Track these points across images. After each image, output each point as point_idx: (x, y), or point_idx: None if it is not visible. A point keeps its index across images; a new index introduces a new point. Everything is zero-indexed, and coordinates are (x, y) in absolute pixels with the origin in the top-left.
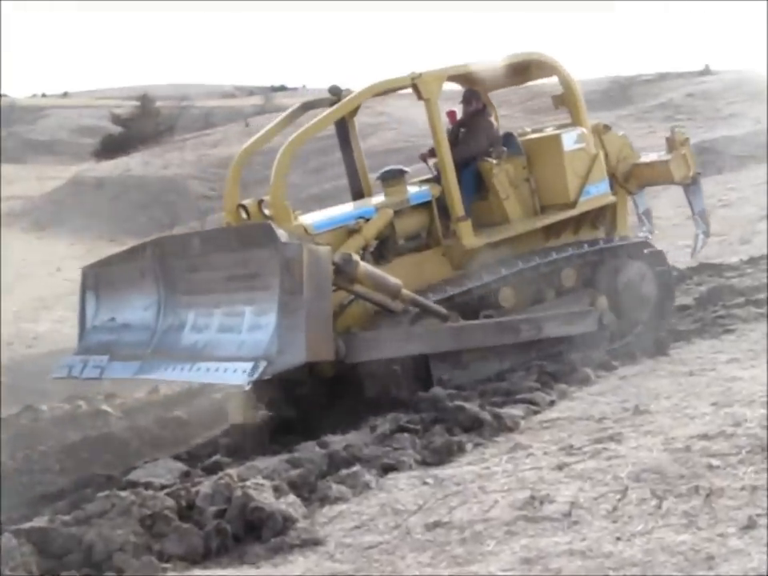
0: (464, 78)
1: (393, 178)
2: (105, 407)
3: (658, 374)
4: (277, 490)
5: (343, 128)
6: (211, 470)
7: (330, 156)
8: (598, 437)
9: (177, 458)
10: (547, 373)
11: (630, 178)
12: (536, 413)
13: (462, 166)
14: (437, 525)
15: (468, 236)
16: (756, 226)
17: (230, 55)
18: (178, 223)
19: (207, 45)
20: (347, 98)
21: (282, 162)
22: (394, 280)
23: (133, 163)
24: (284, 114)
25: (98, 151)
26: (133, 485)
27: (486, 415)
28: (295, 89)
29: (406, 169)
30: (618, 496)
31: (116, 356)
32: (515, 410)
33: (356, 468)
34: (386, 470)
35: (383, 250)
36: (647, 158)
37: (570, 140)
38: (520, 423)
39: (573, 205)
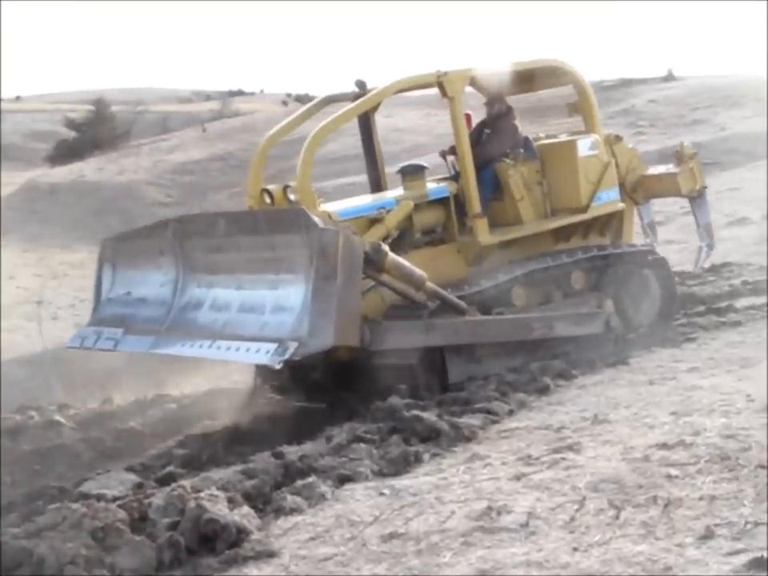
0: (478, 80)
1: (413, 173)
2: (57, 418)
3: (618, 383)
4: (231, 502)
5: (366, 122)
6: (164, 481)
7: (288, 162)
8: (556, 446)
9: (130, 469)
10: (506, 382)
11: (637, 189)
12: (494, 422)
13: (481, 165)
14: (393, 536)
15: (483, 233)
16: (718, 234)
17: (186, 59)
18: None
19: (164, 49)
20: (372, 92)
21: (309, 149)
22: (419, 272)
23: (87, 169)
24: (307, 106)
25: (51, 156)
26: (85, 497)
27: (443, 425)
28: (253, 93)
29: (425, 165)
30: (576, 506)
31: (131, 329)
32: (473, 420)
33: (311, 479)
34: (342, 480)
35: (400, 242)
36: (655, 170)
37: (584, 146)
38: (478, 433)
39: (584, 209)
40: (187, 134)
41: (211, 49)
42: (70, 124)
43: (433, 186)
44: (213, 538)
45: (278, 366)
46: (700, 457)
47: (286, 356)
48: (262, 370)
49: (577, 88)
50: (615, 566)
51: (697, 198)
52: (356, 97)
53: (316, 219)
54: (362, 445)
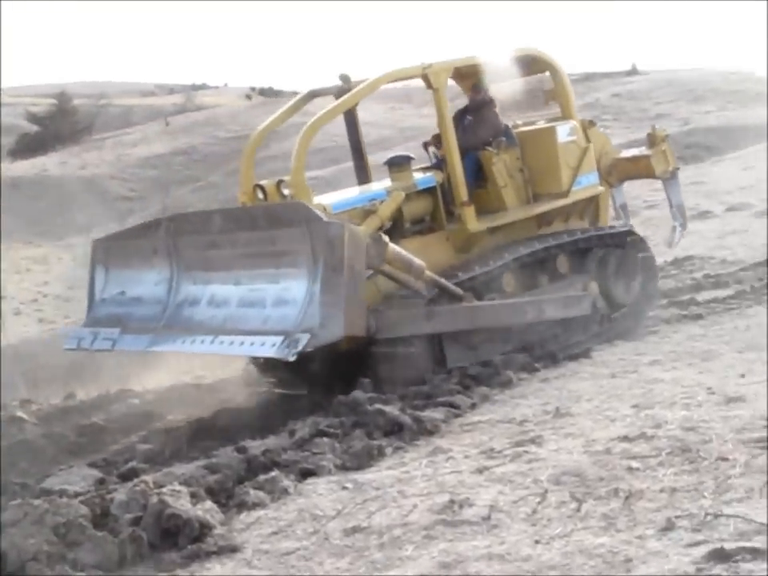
0: (456, 72)
1: (400, 164)
2: (20, 414)
3: (580, 376)
4: (194, 497)
5: (351, 115)
6: (127, 476)
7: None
8: (518, 440)
9: (93, 464)
10: (469, 376)
11: (612, 172)
12: (457, 416)
13: (464, 154)
14: (355, 530)
15: (472, 220)
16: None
17: (150, 53)
18: (97, 225)
19: (127, 42)
20: (363, 84)
21: (302, 144)
22: (417, 261)
23: (50, 163)
24: (292, 102)
25: (13, 150)
26: (47, 493)
27: (406, 419)
28: (216, 87)
29: (412, 155)
30: (538, 499)
31: (127, 329)
32: (436, 414)
33: (274, 473)
34: (305, 474)
35: (391, 232)
36: (628, 153)
37: (563, 132)
38: (440, 427)
39: (566, 194)
40: (150, 127)
41: (175, 42)
42: (32, 118)
43: (420, 176)
44: (175, 533)
45: (292, 359)
46: (661, 449)
47: (300, 348)
48: (257, 362)
49: (553, 75)
50: (576, 558)
51: (669, 179)
52: (340, 90)
53: (320, 213)
54: (325, 439)
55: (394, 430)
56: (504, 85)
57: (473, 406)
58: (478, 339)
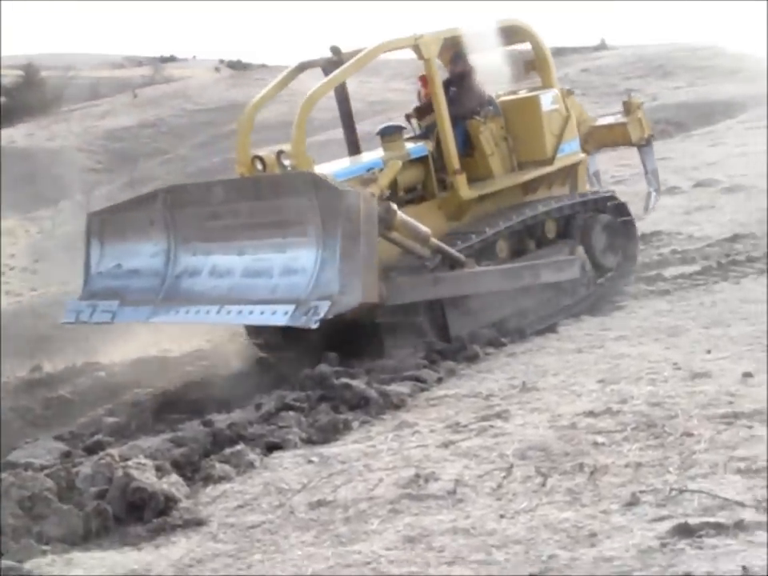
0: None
1: (392, 134)
2: None
3: (547, 350)
4: (159, 470)
5: (341, 87)
6: (93, 449)
7: (219, 129)
8: (484, 414)
9: (59, 438)
10: (435, 350)
11: (588, 140)
12: (423, 390)
13: (451, 124)
14: (321, 504)
15: (464, 188)
16: (648, 203)
17: (118, 25)
18: (64, 197)
19: (95, 13)
20: (359, 55)
21: (303, 114)
22: (423, 228)
23: (17, 135)
24: (283, 74)
25: None
26: (12, 466)
27: (372, 393)
28: (185, 59)
29: (404, 126)
30: (503, 474)
31: (126, 301)
32: (402, 388)
33: (240, 447)
34: (271, 448)
35: (386, 201)
36: (605, 120)
37: (547, 101)
38: (407, 401)
39: (551, 161)
40: (118, 100)
41: (144, 14)
42: None
43: (412, 146)
44: (140, 507)
45: (314, 326)
46: (626, 424)
47: (321, 315)
48: (252, 330)
49: (534, 46)
50: (541, 532)
51: (645, 146)
52: (330, 62)
53: (332, 181)
54: (291, 413)
55: (361, 403)
56: (485, 55)
57: (439, 381)
58: (476, 305)
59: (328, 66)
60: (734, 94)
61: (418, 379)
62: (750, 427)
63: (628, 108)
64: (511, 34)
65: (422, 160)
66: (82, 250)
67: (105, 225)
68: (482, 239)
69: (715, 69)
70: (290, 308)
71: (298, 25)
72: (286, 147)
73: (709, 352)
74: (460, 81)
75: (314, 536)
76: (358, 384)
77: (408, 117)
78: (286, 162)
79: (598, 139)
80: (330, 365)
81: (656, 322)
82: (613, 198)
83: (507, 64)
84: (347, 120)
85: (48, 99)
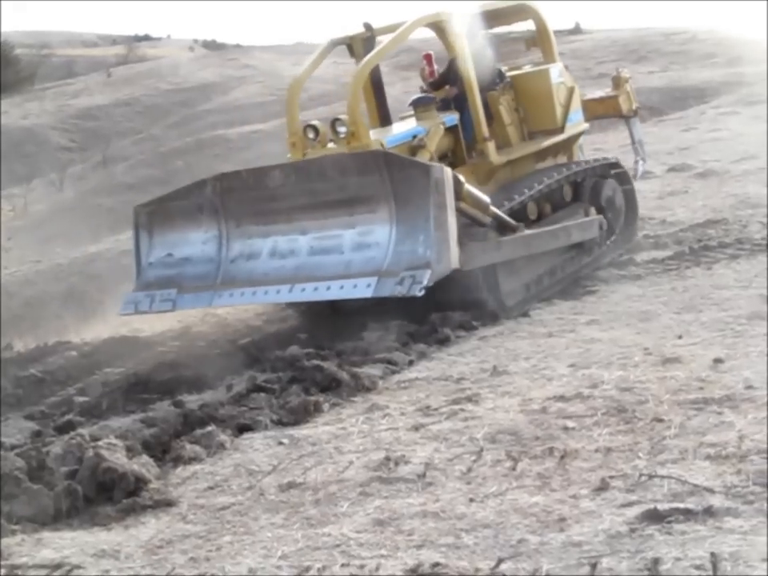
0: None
1: (425, 104)
2: None
3: (518, 334)
4: (130, 450)
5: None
6: (63, 429)
7: (192, 108)
8: (455, 397)
9: (29, 417)
10: (407, 333)
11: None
12: (394, 373)
13: (464, 99)
14: (291, 486)
15: (494, 154)
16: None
17: (93, 3)
18: (37, 175)
19: None
20: (402, 27)
21: (356, 83)
22: (484, 197)
23: None
24: (318, 51)
25: None
26: None
27: (343, 375)
28: (160, 39)
29: (435, 97)
30: (473, 457)
31: (184, 288)
32: (373, 370)
33: (211, 428)
34: (242, 429)
35: None
36: (595, 94)
37: (555, 74)
38: (378, 383)
39: (561, 130)
40: (92, 78)
41: None
42: None
43: (443, 115)
44: (110, 487)
45: (420, 294)
46: (597, 409)
47: (425, 282)
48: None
49: (538, 24)
50: (510, 516)
51: (632, 118)
52: (362, 38)
53: (416, 159)
54: (262, 394)
55: (332, 385)
56: (492, 33)
57: (410, 363)
58: (519, 265)
59: (358, 42)
60: (708, 79)
61: (389, 362)
62: (720, 413)
63: (617, 82)
64: (520, 11)
65: (452, 128)
66: (55, 228)
67: (152, 216)
68: (520, 201)
69: (689, 54)
70: (372, 280)
71: (274, 5)
72: (342, 116)
73: (680, 337)
74: (476, 56)
75: (284, 518)
76: (330, 366)
77: (423, 90)
78: (341, 129)
79: (590, 111)
80: (302, 347)
81: (627, 307)
82: (617, 164)
83: (515, 41)
84: (378, 92)
85: (22, 77)
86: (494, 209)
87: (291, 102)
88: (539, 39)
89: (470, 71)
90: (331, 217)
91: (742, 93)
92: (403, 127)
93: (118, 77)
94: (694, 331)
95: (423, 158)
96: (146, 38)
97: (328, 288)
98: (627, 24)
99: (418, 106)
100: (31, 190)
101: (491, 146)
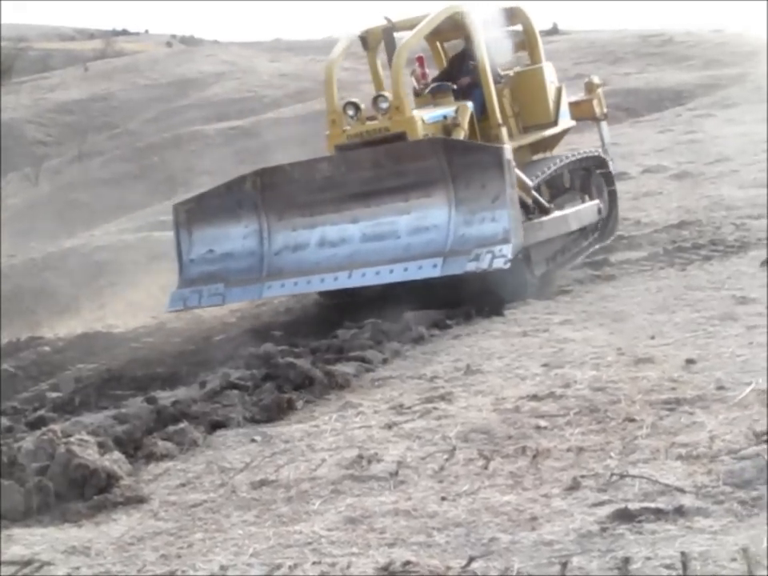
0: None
1: (443, 91)
2: None
3: (492, 333)
4: (102, 447)
5: (392, 43)
6: (35, 425)
7: (170, 104)
8: (428, 396)
9: (1, 412)
10: (381, 331)
11: None
12: (368, 371)
13: (473, 91)
14: (263, 483)
15: (506, 139)
16: None
17: None
18: (12, 169)
19: None
20: (428, 17)
21: (399, 62)
22: (527, 179)
23: None
24: (344, 41)
25: None
26: None
27: (317, 372)
28: (137, 33)
29: (451, 84)
30: (446, 456)
31: (231, 282)
32: (347, 368)
33: (183, 425)
34: (214, 426)
35: None
36: (570, 98)
37: (549, 72)
38: (351, 381)
39: (555, 123)
40: (69, 72)
41: None
42: None
43: (462, 102)
44: (82, 483)
45: (506, 266)
46: (569, 409)
47: (509, 255)
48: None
49: (527, 27)
50: (482, 515)
51: (603, 121)
52: (385, 29)
53: (473, 142)
54: (236, 391)
55: (305, 383)
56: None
57: (384, 361)
58: (543, 243)
59: (374, 35)
60: (684, 81)
61: (363, 360)
62: (692, 413)
63: (590, 88)
64: (510, 15)
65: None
66: (30, 222)
67: (191, 214)
68: (536, 185)
69: (665, 56)
70: (438, 260)
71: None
72: (387, 93)
73: (653, 338)
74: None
75: (256, 515)
76: (303, 364)
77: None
78: (383, 105)
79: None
80: (276, 344)
81: (601, 307)
82: (603, 156)
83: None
84: None
85: None
86: (533, 192)
87: (329, 81)
88: (527, 42)
89: (484, 60)
90: (385, 204)
91: (718, 95)
92: (430, 111)
93: (95, 71)
94: (666, 332)
95: (458, 135)
96: (124, 32)
97: (391, 271)
98: (604, 25)
99: (437, 93)
100: (7, 183)
101: (504, 132)
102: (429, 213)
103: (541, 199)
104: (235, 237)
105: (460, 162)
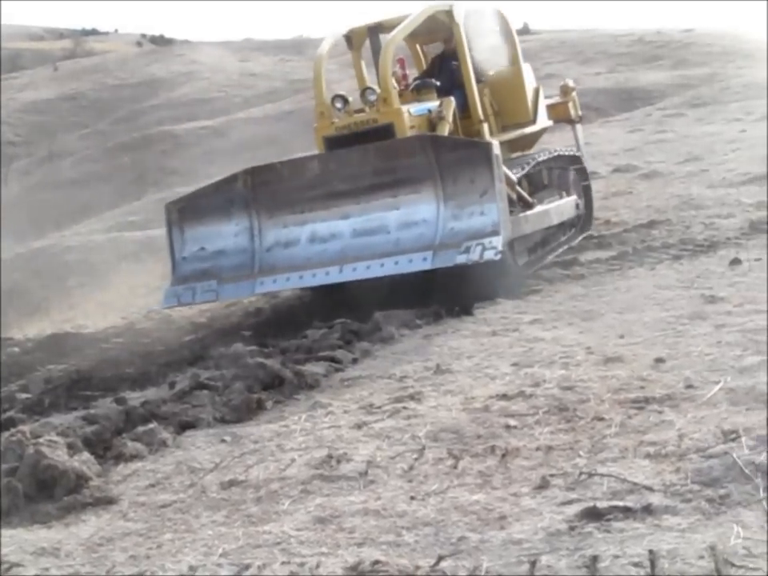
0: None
1: (427, 87)
2: None
3: (462, 333)
4: (71, 448)
5: (377, 41)
6: (4, 426)
7: (139, 104)
8: (398, 396)
9: None
10: (351, 331)
11: None
12: (338, 371)
13: (452, 91)
14: (232, 483)
15: (488, 135)
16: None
17: None
18: None
19: None
20: (410, 17)
21: (386, 56)
22: (511, 174)
23: None
24: (330, 38)
25: None
26: None
27: (286, 372)
28: (107, 33)
29: (434, 81)
30: (415, 455)
31: (223, 279)
32: (317, 368)
33: (153, 425)
34: (184, 427)
35: None
36: (546, 101)
37: (527, 72)
38: (321, 381)
39: (533, 122)
40: (38, 72)
41: None
42: None
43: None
44: (51, 485)
45: (497, 258)
46: (539, 408)
47: (500, 247)
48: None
49: (506, 29)
50: (451, 514)
51: (577, 123)
52: (370, 28)
53: (461, 138)
54: (205, 391)
55: (275, 383)
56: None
57: (354, 361)
58: (525, 234)
59: (359, 34)
60: (654, 81)
61: (332, 360)
62: (661, 412)
63: (565, 91)
64: (491, 16)
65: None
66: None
67: (183, 212)
68: (524, 173)
69: (635, 56)
70: (428, 254)
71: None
72: (374, 86)
73: (622, 337)
74: (454, 56)
75: (225, 515)
76: (273, 363)
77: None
78: (372, 98)
79: None
80: (245, 344)
81: (570, 307)
82: (578, 155)
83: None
84: None
85: None
86: (518, 187)
87: (317, 75)
88: (506, 43)
89: (466, 59)
90: (374, 200)
91: (688, 95)
92: (415, 105)
93: (64, 71)
94: (636, 331)
95: (444, 128)
96: (94, 32)
97: (382, 265)
98: (575, 25)
99: (422, 89)
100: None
101: (485, 128)
102: (418, 208)
103: (524, 194)
104: (227, 234)
105: (448, 157)
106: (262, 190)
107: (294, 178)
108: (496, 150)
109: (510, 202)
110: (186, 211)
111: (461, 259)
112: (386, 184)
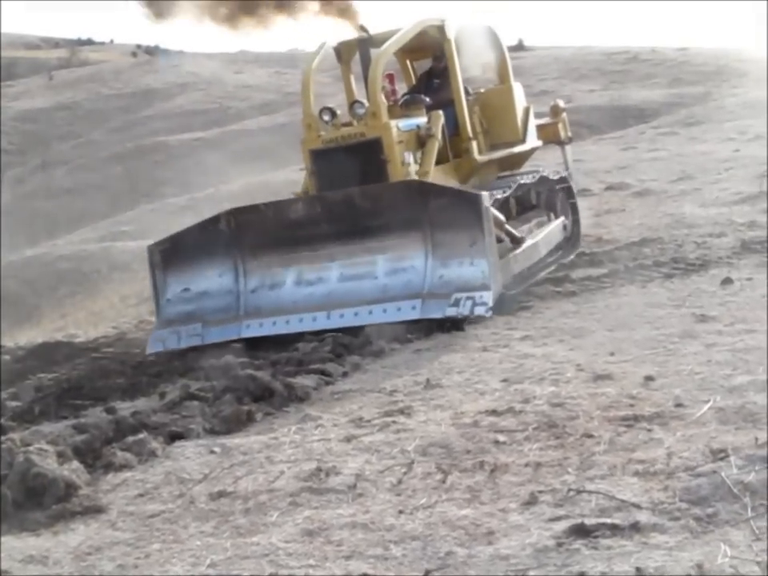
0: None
1: (416, 103)
2: None
3: (452, 348)
4: (60, 456)
5: (366, 56)
6: None
7: (134, 114)
8: (388, 410)
9: None
10: (341, 344)
11: None
12: (328, 384)
13: (442, 107)
14: (221, 494)
15: (477, 152)
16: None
17: (36, 5)
18: None
19: None
20: (402, 30)
21: (376, 70)
22: (500, 215)
23: None
24: (322, 49)
25: None
26: None
27: (277, 385)
28: (102, 43)
29: (424, 97)
30: (404, 469)
31: (209, 322)
32: (307, 381)
33: (143, 435)
34: (174, 437)
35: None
36: (536, 121)
37: (518, 91)
38: (311, 394)
39: (523, 141)
40: (34, 81)
41: None
42: None
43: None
44: (40, 493)
45: (487, 314)
46: (528, 424)
47: (490, 303)
48: None
49: (497, 48)
50: (439, 529)
51: (567, 144)
52: (360, 40)
53: (454, 186)
54: (195, 402)
55: (265, 395)
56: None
57: (344, 375)
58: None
59: (348, 47)
60: (648, 99)
61: (323, 372)
62: (650, 430)
63: (555, 111)
64: (483, 34)
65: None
66: None
67: (165, 254)
68: (506, 196)
69: (629, 73)
70: (416, 302)
71: None
72: (362, 99)
73: (612, 354)
74: (443, 74)
75: (214, 526)
76: (263, 375)
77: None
78: (360, 111)
79: None
80: (236, 356)
81: (561, 323)
82: (567, 179)
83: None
84: None
85: None
86: (507, 225)
87: (306, 87)
88: (497, 63)
89: (457, 76)
90: (361, 243)
91: (681, 114)
92: (401, 120)
93: (59, 80)
94: (626, 348)
95: (433, 146)
96: (89, 41)
97: (370, 312)
98: (570, 42)
99: (410, 104)
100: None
101: (475, 145)
102: (406, 254)
103: (513, 231)
104: (210, 275)
105: (437, 204)
106: (245, 230)
107: (278, 220)
108: (486, 202)
109: (498, 240)
110: (169, 252)
111: (450, 312)
112: (373, 228)
